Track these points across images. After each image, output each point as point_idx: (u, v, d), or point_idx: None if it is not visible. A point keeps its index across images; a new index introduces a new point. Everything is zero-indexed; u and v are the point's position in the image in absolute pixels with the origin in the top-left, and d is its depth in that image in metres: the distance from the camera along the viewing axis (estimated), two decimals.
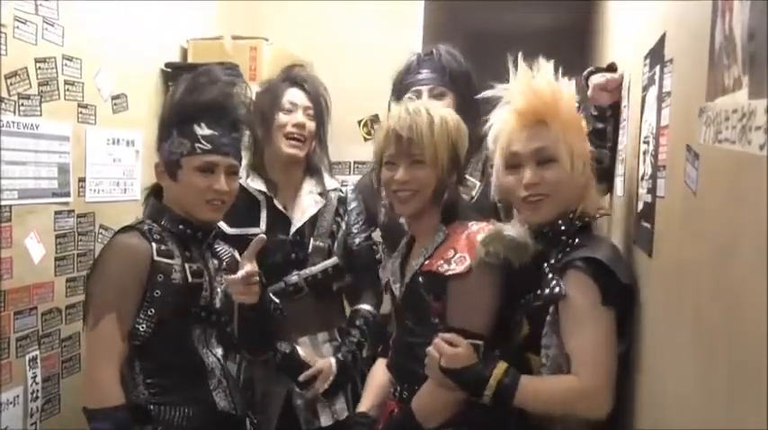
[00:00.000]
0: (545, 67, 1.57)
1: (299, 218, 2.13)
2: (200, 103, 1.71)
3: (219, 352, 1.80)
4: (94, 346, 1.63)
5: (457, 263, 1.58)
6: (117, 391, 1.60)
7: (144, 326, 1.64)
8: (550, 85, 1.54)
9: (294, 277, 2.09)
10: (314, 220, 2.14)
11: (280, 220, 2.11)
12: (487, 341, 1.55)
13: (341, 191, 2.22)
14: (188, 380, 1.71)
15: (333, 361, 2.07)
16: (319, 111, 2.16)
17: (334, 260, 2.14)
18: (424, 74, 2.11)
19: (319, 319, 2.13)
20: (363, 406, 1.84)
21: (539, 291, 1.49)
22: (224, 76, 1.80)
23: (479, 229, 1.62)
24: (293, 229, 2.11)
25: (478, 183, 2.06)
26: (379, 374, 1.85)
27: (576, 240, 1.50)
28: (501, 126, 1.60)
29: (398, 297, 1.73)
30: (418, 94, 2.07)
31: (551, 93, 1.53)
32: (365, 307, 2.16)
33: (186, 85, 1.76)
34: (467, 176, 2.03)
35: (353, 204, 2.22)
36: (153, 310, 1.64)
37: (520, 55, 1.57)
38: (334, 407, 2.11)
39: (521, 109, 1.54)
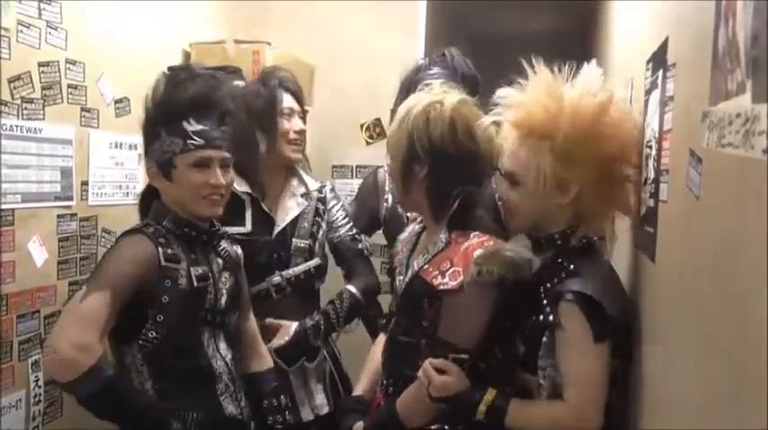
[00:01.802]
0: (552, 80, 1.50)
1: (283, 219, 2.17)
2: (186, 99, 1.69)
3: (229, 356, 1.79)
4: (82, 314, 1.51)
5: (450, 277, 1.57)
6: (105, 356, 1.53)
7: (153, 332, 1.63)
8: (554, 99, 1.47)
9: (277, 277, 2.14)
10: (294, 221, 2.19)
11: (264, 221, 2.15)
12: (473, 355, 1.54)
13: (320, 191, 2.27)
14: (196, 384, 1.70)
15: (295, 324, 2.11)
16: (305, 114, 2.23)
17: (316, 261, 2.20)
18: (436, 70, 2.13)
19: (297, 317, 2.14)
20: (360, 388, 1.84)
21: (534, 317, 1.48)
22: (204, 70, 1.79)
23: (479, 244, 1.58)
24: (277, 230, 2.15)
25: None
26: (379, 352, 1.83)
27: (572, 266, 1.46)
28: (500, 133, 1.59)
29: (399, 290, 1.73)
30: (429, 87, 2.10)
31: (550, 107, 1.46)
32: (349, 287, 2.21)
33: (167, 83, 1.75)
34: None
35: (332, 202, 2.28)
36: (162, 317, 1.63)
37: (528, 62, 1.52)
38: (314, 402, 2.15)
39: (512, 120, 1.53)
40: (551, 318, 1.43)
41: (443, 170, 1.62)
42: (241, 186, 2.13)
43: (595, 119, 1.44)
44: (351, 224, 2.28)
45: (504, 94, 1.55)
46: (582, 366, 1.40)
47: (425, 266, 1.63)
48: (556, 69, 1.51)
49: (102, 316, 1.53)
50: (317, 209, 2.24)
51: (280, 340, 2.08)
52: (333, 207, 2.27)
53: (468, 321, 1.56)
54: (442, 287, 1.57)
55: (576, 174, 1.45)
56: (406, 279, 1.69)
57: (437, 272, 1.59)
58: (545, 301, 1.46)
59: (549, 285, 1.47)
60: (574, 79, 1.50)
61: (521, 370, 1.54)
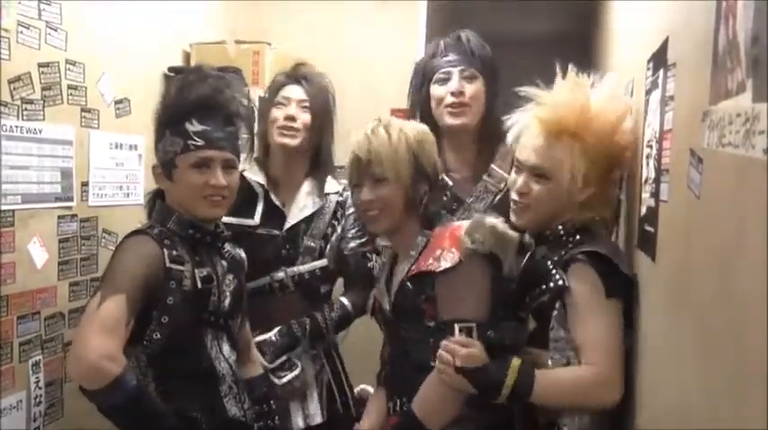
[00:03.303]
0: (582, 82, 1.61)
1: (295, 215, 2.12)
2: (190, 100, 1.69)
3: (232, 358, 1.79)
4: (102, 321, 1.50)
5: (446, 259, 1.59)
6: (129, 365, 1.54)
7: (158, 334, 1.61)
8: (584, 101, 1.56)
9: (281, 273, 2.09)
10: (309, 220, 2.13)
11: (275, 215, 2.11)
12: (480, 326, 1.54)
13: (341, 194, 2.18)
14: (199, 386, 1.69)
15: (277, 328, 2.06)
16: (318, 105, 2.12)
17: (323, 262, 2.13)
18: (452, 56, 2.06)
19: (296, 319, 2.09)
20: (365, 424, 1.83)
21: (543, 286, 1.51)
22: (214, 71, 1.79)
23: (459, 226, 1.65)
24: (287, 226, 2.11)
25: (507, 176, 1.93)
26: (378, 400, 1.83)
27: (578, 237, 1.54)
28: (522, 128, 1.65)
29: (388, 311, 1.73)
30: (448, 76, 2.04)
31: (581, 109, 1.55)
32: (342, 298, 2.16)
33: (177, 84, 1.75)
34: (494, 167, 2.02)
35: (351, 209, 2.17)
36: (166, 318, 1.62)
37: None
38: (307, 410, 2.10)
39: (543, 118, 1.58)
40: (561, 282, 1.46)
41: (433, 181, 1.74)
42: (257, 177, 2.10)
43: (617, 125, 1.56)
44: (365, 239, 2.18)
45: (535, 92, 1.63)
46: (598, 325, 1.42)
47: (412, 267, 1.65)
48: (580, 73, 1.62)
49: (122, 321, 1.53)
50: (335, 212, 2.17)
51: (263, 335, 2.04)
52: (351, 214, 2.17)
53: (468, 295, 1.57)
54: (440, 269, 1.59)
55: (597, 173, 1.55)
56: (394, 291, 1.70)
57: (431, 260, 1.62)
58: (553, 271, 1.49)
59: (555, 258, 1.53)
60: (597, 84, 1.61)
61: (531, 346, 1.55)
